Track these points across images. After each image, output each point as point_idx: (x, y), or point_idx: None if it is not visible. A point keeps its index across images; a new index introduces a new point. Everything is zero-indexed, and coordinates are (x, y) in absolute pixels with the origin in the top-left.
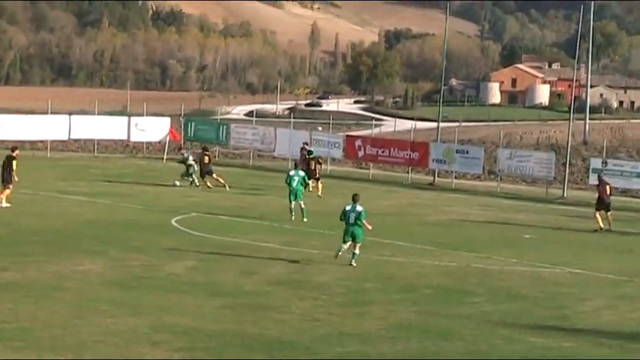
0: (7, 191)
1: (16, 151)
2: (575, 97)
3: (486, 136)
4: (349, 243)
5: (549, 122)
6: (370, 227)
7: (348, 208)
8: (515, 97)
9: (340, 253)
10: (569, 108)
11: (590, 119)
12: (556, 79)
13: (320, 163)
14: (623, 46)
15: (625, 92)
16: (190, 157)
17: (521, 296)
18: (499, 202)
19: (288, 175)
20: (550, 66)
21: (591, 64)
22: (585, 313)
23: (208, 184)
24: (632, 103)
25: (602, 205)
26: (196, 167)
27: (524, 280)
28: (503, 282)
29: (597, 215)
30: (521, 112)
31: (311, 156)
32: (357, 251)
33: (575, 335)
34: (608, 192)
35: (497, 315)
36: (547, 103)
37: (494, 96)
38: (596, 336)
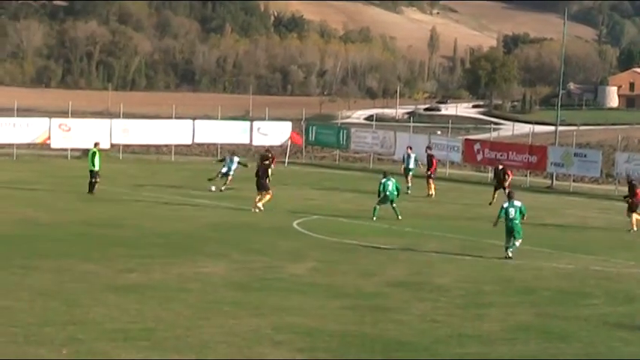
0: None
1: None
2: None
3: (604, 140)
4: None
5: None
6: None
7: (505, 205)
8: (633, 101)
9: (510, 253)
10: None
11: None
12: None
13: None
14: None
15: None
16: (233, 166)
17: (639, 299)
18: (617, 206)
19: (381, 182)
20: None
21: None
22: None
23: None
24: None
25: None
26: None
27: None
28: (621, 284)
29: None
30: (639, 115)
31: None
32: (517, 244)
33: None
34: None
35: (615, 317)
36: None
37: (612, 100)
38: None
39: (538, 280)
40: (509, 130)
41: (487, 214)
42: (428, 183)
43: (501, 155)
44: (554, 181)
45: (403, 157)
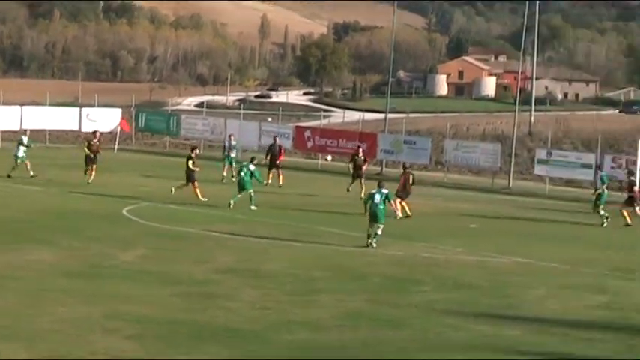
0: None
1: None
2: (520, 89)
3: (433, 128)
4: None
5: (495, 114)
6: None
7: (373, 191)
8: (462, 89)
9: (374, 243)
10: (515, 100)
11: (535, 111)
12: (502, 71)
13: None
14: (568, 39)
15: (570, 84)
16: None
17: (467, 285)
18: (446, 193)
19: (241, 168)
20: (496, 58)
21: (537, 57)
22: (530, 301)
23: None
24: (577, 95)
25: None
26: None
27: (470, 269)
28: (449, 271)
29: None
30: (468, 103)
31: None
32: (379, 232)
33: (519, 323)
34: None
35: (444, 303)
36: (493, 95)
37: (442, 88)
38: (540, 324)
39: (369, 267)
40: (340, 117)
41: (320, 201)
42: (278, 173)
43: (332, 142)
44: (384, 168)
45: (224, 146)
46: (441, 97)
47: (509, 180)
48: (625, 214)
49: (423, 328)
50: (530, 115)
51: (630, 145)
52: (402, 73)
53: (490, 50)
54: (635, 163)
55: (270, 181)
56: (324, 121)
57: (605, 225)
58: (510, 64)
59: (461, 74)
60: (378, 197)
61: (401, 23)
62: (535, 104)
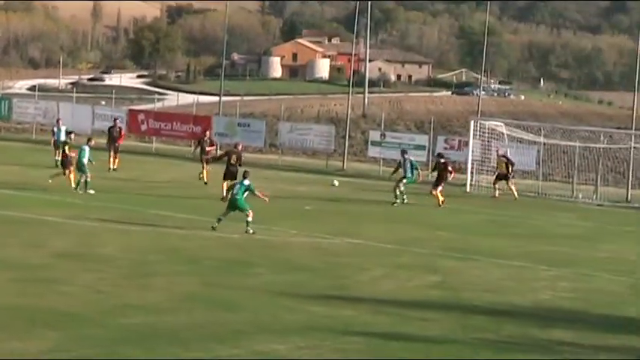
0: None
1: None
2: (354, 71)
3: (268, 110)
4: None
5: (329, 96)
6: (267, 199)
7: (236, 182)
8: (296, 71)
9: (218, 224)
10: (349, 82)
11: (369, 93)
12: (336, 53)
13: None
14: (401, 22)
15: (403, 66)
16: None
17: (302, 267)
18: (281, 175)
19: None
20: (330, 40)
21: (370, 39)
22: (364, 282)
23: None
24: (410, 76)
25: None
26: None
27: (305, 251)
28: (284, 253)
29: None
30: (302, 85)
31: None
32: (249, 219)
33: (354, 304)
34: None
35: (279, 285)
36: (327, 77)
37: (276, 70)
38: (375, 304)
39: (203, 250)
40: (174, 100)
41: (154, 185)
42: (115, 156)
43: (166, 126)
44: (219, 152)
45: (53, 130)
46: (275, 79)
47: (343, 162)
48: (436, 193)
49: (258, 310)
50: (364, 97)
51: (463, 125)
52: (236, 56)
53: (324, 33)
54: (467, 143)
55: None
56: (158, 104)
57: (396, 205)
58: (344, 47)
59: (295, 57)
60: (237, 187)
61: (235, 6)
62: (369, 86)
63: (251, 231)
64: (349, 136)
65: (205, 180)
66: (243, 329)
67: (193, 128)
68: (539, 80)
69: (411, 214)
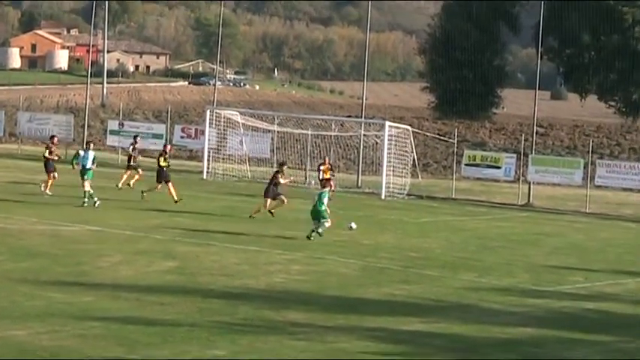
0: None
1: None
2: (92, 62)
3: (7, 100)
4: None
5: (69, 86)
6: None
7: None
8: (35, 62)
9: None
10: (88, 72)
11: (107, 83)
12: (75, 44)
13: None
14: (138, 13)
15: (141, 57)
16: None
17: (42, 254)
18: (20, 164)
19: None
20: (69, 32)
21: (108, 30)
22: (104, 268)
23: None
24: (148, 67)
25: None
26: None
27: (44, 239)
28: (23, 241)
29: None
30: (42, 76)
31: None
32: None
33: (94, 290)
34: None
35: (19, 273)
36: (67, 68)
37: (15, 61)
38: (114, 290)
39: None
40: None
41: None
42: None
43: None
44: None
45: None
46: (14, 69)
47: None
48: (125, 177)
49: None
50: (103, 87)
51: (199, 115)
52: None
53: (62, 24)
54: (203, 132)
55: None
56: None
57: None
58: (83, 38)
59: (34, 47)
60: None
61: None
62: (107, 77)
63: None
64: (88, 126)
65: None
66: None
67: None
68: (274, 70)
69: (152, 201)
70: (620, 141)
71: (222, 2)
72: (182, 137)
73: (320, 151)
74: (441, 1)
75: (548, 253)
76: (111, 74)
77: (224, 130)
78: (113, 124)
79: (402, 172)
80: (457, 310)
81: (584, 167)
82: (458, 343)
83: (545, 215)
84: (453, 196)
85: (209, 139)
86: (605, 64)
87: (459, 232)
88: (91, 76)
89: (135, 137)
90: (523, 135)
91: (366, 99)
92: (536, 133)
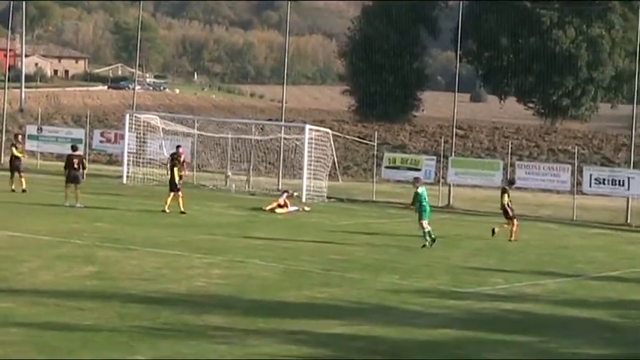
0: None
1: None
2: (10, 66)
3: None
4: None
5: None
6: None
7: None
8: None
9: None
10: (5, 77)
11: (26, 87)
12: None
13: None
14: (57, 18)
15: (59, 61)
16: None
17: None
18: None
19: None
20: None
21: (25, 35)
22: (23, 274)
23: None
24: (67, 71)
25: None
26: None
27: None
28: None
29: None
30: None
31: None
32: None
33: (13, 296)
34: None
35: None
36: None
37: None
38: (33, 295)
39: None
40: None
41: None
42: None
43: None
44: None
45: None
46: None
47: (0, 156)
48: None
49: None
50: (21, 91)
51: (119, 119)
52: None
53: None
54: (123, 136)
55: None
56: None
57: None
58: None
59: None
60: None
61: None
62: (25, 81)
63: None
64: (7, 130)
65: None
66: None
67: None
68: (194, 74)
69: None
70: (539, 142)
71: (141, 5)
72: (101, 142)
73: (240, 155)
74: (361, 1)
75: (468, 255)
76: (29, 79)
77: (144, 134)
78: (32, 129)
79: (323, 175)
80: (379, 313)
81: (504, 169)
82: (380, 346)
83: (465, 217)
84: (374, 199)
85: (129, 144)
86: (523, 66)
87: (379, 235)
88: (8, 81)
89: (177, 147)
90: (443, 137)
91: (286, 102)
92: (456, 135)
